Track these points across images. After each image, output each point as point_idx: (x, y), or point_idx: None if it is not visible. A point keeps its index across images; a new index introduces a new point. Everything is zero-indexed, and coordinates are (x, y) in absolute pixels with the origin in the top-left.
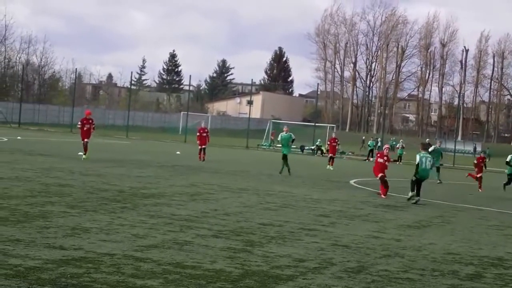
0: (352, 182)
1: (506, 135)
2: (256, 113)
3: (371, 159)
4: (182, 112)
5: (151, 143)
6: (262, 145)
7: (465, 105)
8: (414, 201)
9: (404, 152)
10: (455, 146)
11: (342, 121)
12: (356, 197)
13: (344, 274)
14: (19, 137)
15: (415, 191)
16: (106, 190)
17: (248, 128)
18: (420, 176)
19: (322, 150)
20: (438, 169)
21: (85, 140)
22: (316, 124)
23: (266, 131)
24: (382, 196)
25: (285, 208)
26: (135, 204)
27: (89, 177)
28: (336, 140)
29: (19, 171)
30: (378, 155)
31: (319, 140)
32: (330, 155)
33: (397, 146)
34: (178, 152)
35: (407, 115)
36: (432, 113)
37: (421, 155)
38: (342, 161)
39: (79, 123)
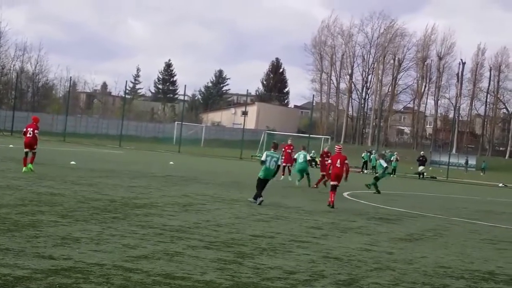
0: (345, 194)
1: (501, 148)
2: (250, 124)
3: (365, 171)
4: (176, 122)
5: (144, 153)
6: (256, 156)
7: (460, 118)
8: (257, 202)
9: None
10: (449, 159)
11: (337, 133)
12: (349, 210)
13: (334, 287)
14: (11, 145)
15: (259, 191)
16: (98, 199)
17: (243, 139)
18: (264, 176)
19: (316, 162)
20: (377, 179)
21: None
22: (311, 135)
23: (261, 142)
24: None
25: (277, 220)
26: (126, 214)
27: (81, 186)
28: (329, 154)
29: (10, 179)
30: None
31: (313, 151)
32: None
33: (392, 159)
34: (171, 163)
35: (402, 128)
36: (427, 126)
37: (268, 153)
38: None
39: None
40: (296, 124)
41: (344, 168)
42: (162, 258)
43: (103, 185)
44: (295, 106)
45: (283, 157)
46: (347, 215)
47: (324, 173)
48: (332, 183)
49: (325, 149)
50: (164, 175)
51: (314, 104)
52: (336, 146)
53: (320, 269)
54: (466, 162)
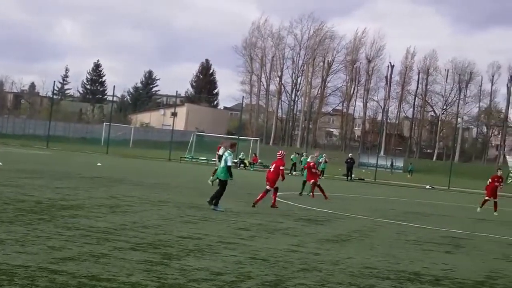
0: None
1: (428, 151)
2: (180, 125)
3: (294, 173)
4: (104, 123)
5: (72, 154)
6: (185, 157)
7: (388, 120)
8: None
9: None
10: (377, 161)
11: (266, 134)
12: (276, 211)
13: None
14: None
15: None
16: (24, 201)
17: (171, 140)
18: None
19: (245, 163)
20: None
21: None
22: (240, 137)
23: (189, 143)
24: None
25: (205, 221)
26: (52, 216)
27: (7, 187)
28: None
29: None
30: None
31: (242, 153)
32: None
33: (320, 161)
34: (99, 164)
35: (331, 130)
36: (356, 128)
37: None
38: (264, 174)
39: None
40: (225, 125)
41: (276, 173)
42: (88, 259)
43: (29, 186)
44: (225, 108)
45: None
46: (275, 217)
47: (312, 180)
48: (267, 187)
49: (314, 160)
50: (92, 176)
51: (243, 105)
52: (277, 153)
53: (247, 270)
54: (392, 164)
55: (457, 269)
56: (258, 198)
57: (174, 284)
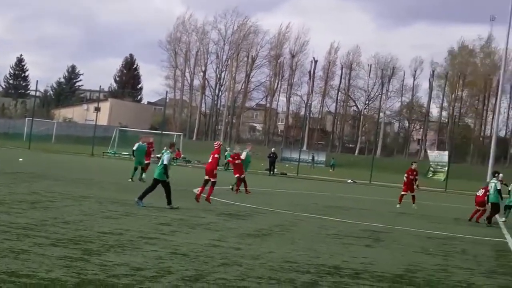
0: (195, 190)
1: (350, 145)
2: (103, 120)
3: (219, 167)
4: (27, 118)
5: None
6: (108, 152)
7: (311, 115)
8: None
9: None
10: (299, 156)
11: (190, 129)
12: (199, 206)
13: (181, 283)
14: None
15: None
16: None
17: (94, 135)
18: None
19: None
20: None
21: None
22: (163, 132)
23: (112, 138)
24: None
25: (126, 217)
26: None
27: None
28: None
29: None
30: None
31: (165, 148)
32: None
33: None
34: (21, 159)
35: (255, 125)
36: (279, 123)
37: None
38: (187, 169)
39: None
40: (149, 120)
41: (212, 162)
42: (8, 256)
43: None
44: (149, 103)
45: None
46: (197, 211)
47: (238, 175)
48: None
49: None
50: (13, 172)
51: (167, 100)
52: (214, 143)
53: (167, 265)
54: (313, 159)
55: (377, 263)
56: (198, 192)
57: (94, 279)
